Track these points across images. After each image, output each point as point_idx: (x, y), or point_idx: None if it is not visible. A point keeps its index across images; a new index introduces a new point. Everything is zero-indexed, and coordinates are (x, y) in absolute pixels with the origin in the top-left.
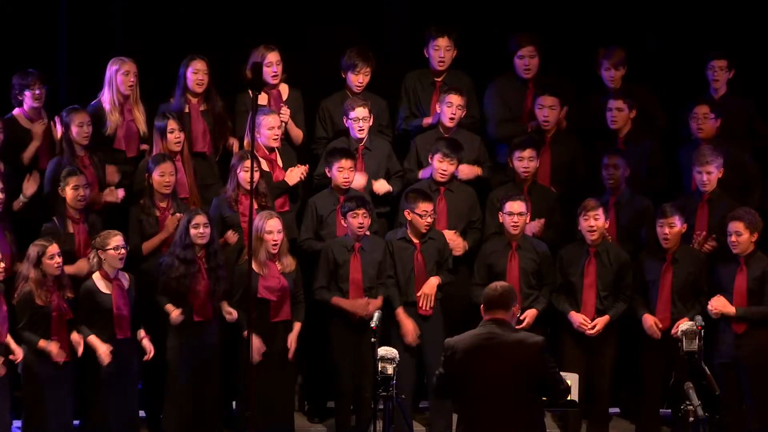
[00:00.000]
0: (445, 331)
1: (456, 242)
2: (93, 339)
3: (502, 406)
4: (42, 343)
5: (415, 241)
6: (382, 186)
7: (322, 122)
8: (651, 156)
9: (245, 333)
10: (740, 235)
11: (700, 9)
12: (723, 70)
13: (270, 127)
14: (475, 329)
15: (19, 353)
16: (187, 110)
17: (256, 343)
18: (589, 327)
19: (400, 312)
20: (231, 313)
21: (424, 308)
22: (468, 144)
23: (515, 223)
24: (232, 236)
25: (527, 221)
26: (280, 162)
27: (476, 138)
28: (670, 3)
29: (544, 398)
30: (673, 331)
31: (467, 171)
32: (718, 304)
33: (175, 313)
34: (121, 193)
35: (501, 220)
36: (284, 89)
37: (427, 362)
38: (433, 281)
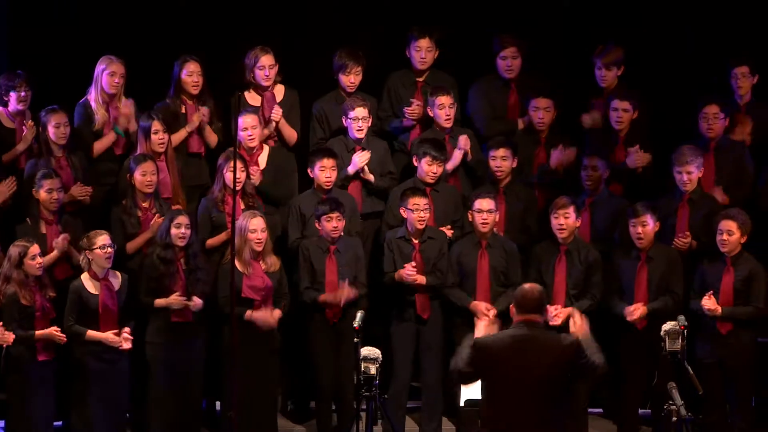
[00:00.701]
0: (443, 332)
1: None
2: (93, 333)
3: (534, 406)
4: (38, 333)
5: (414, 240)
6: (363, 157)
7: (319, 124)
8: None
9: (248, 313)
10: (731, 235)
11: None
12: (746, 77)
13: (243, 128)
14: (508, 330)
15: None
16: (183, 111)
17: (260, 315)
18: (554, 314)
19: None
20: (195, 302)
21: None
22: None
23: (484, 220)
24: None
25: (497, 219)
26: (263, 162)
27: (471, 133)
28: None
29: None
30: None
31: (456, 156)
32: (708, 304)
33: (174, 299)
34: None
35: (470, 218)
36: (280, 90)
37: (422, 362)
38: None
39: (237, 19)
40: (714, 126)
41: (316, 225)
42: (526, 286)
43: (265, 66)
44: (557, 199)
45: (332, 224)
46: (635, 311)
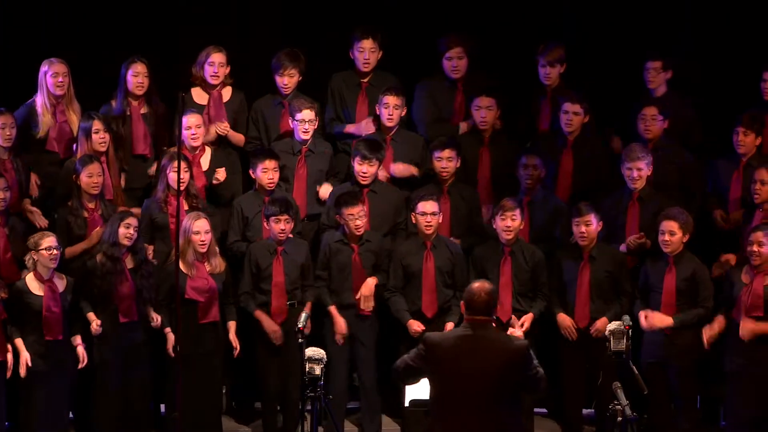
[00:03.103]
0: (378, 332)
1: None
2: (18, 343)
3: (482, 406)
4: None
5: (352, 244)
6: (326, 190)
7: (254, 123)
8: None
9: (167, 330)
10: (673, 235)
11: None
12: (658, 71)
13: (187, 127)
14: (458, 329)
15: None
16: (128, 113)
17: (172, 338)
18: (517, 325)
19: (333, 309)
20: (155, 319)
21: (365, 309)
22: (410, 144)
23: (428, 222)
24: (151, 254)
25: (440, 221)
26: (206, 163)
27: (419, 139)
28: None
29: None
30: (592, 329)
31: (402, 169)
32: (653, 320)
33: (93, 325)
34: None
35: (414, 221)
36: (227, 92)
37: (359, 362)
38: (371, 282)
39: (185, 22)
40: (652, 127)
41: (264, 225)
42: (475, 285)
43: (215, 63)
44: (504, 201)
45: (281, 226)
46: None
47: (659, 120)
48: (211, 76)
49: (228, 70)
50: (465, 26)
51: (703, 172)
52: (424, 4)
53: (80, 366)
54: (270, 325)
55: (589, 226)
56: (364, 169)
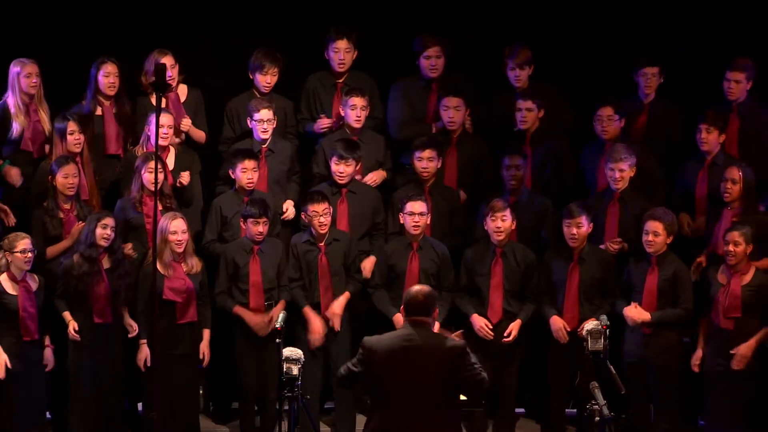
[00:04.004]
0: (352, 332)
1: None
2: None
3: (420, 408)
4: None
5: (319, 244)
6: (289, 207)
7: (229, 123)
8: (558, 156)
9: (142, 341)
10: (657, 236)
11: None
12: (655, 77)
13: (159, 126)
14: (396, 331)
15: None
16: (99, 113)
17: (145, 351)
18: (505, 335)
19: (308, 310)
20: (132, 326)
21: (334, 327)
22: (372, 145)
23: (416, 223)
24: (130, 251)
25: (428, 222)
26: (171, 163)
27: (380, 138)
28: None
29: (464, 398)
30: (579, 330)
31: (375, 177)
32: (634, 314)
33: (70, 328)
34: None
35: (402, 221)
36: (183, 90)
37: (333, 364)
38: (342, 300)
39: (151, 21)
40: (608, 128)
41: (241, 224)
42: (414, 288)
43: (166, 66)
44: (494, 202)
45: (259, 228)
46: (561, 332)
47: (615, 120)
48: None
49: (177, 68)
50: (438, 27)
51: (663, 174)
52: (399, 4)
53: (48, 369)
54: (252, 318)
55: (580, 228)
56: (341, 169)
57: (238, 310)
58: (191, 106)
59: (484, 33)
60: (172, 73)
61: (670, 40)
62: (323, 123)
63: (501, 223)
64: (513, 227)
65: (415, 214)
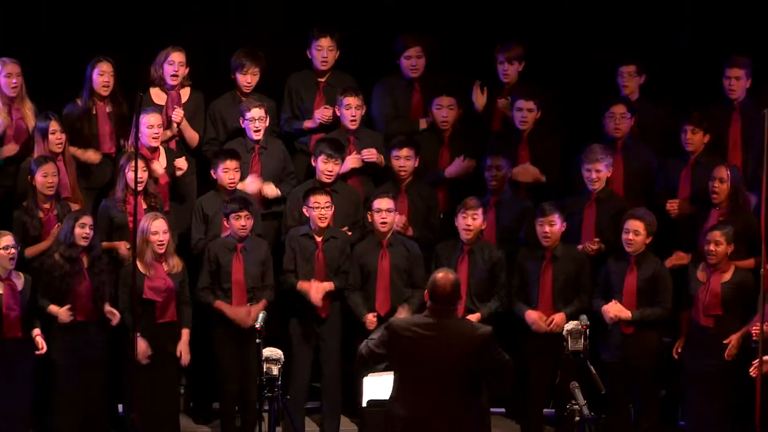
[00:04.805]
0: (341, 332)
1: None
2: None
3: (444, 393)
4: None
5: (317, 238)
6: (271, 190)
7: (213, 123)
8: (552, 157)
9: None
10: (638, 235)
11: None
12: (632, 76)
13: (149, 126)
14: (422, 316)
15: None
16: (94, 112)
17: (142, 345)
18: None
19: (302, 284)
20: (114, 314)
21: (321, 313)
22: (372, 141)
23: (383, 219)
24: (125, 251)
25: (396, 219)
26: (163, 162)
27: (379, 135)
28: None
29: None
30: (550, 323)
31: (372, 154)
32: (615, 309)
33: (62, 312)
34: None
35: (370, 219)
36: (186, 92)
37: (322, 362)
38: (326, 285)
39: (150, 22)
40: (621, 126)
41: (224, 223)
42: (440, 274)
43: (174, 62)
44: (467, 200)
45: (240, 222)
46: (539, 323)
47: (627, 118)
48: (171, 75)
49: (187, 70)
50: (419, 27)
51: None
52: (380, 4)
53: (39, 352)
54: (232, 311)
55: (552, 226)
56: (329, 168)
57: (219, 304)
58: (190, 108)
59: (473, 32)
60: (178, 70)
61: (661, 41)
62: (324, 114)
63: (471, 221)
64: (484, 226)
65: (382, 210)
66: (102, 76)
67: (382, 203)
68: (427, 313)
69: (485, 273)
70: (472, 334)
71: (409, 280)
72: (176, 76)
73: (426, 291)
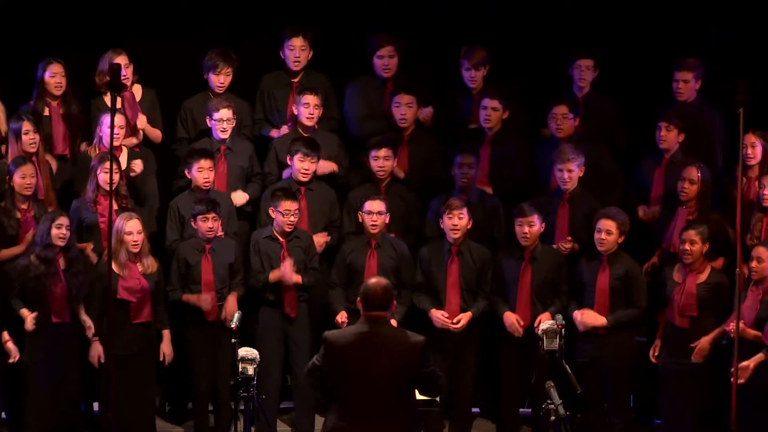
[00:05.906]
0: (312, 331)
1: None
2: None
3: (379, 402)
4: None
5: (281, 239)
6: (240, 197)
7: (183, 123)
8: (517, 156)
9: (94, 339)
10: (610, 234)
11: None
12: (589, 70)
13: (110, 126)
14: (355, 326)
15: None
16: (47, 113)
17: (98, 349)
18: (453, 323)
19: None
20: (90, 327)
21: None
22: (326, 144)
23: (374, 222)
24: (90, 252)
25: (386, 221)
26: (123, 162)
27: (334, 138)
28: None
29: (421, 397)
30: (536, 326)
31: (323, 166)
32: (587, 318)
33: (28, 320)
34: None
35: (360, 220)
36: (138, 90)
37: (293, 362)
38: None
39: (101, 22)
40: (563, 126)
41: (192, 224)
42: (372, 281)
43: (120, 66)
44: (451, 200)
45: (208, 224)
46: (515, 326)
47: (570, 118)
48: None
49: (132, 68)
50: (393, 26)
51: (621, 172)
52: (352, 3)
53: (12, 361)
54: (198, 300)
55: (532, 227)
56: (306, 166)
57: (186, 297)
58: (146, 106)
59: (440, 32)
60: (127, 72)
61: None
62: (283, 131)
63: (458, 221)
64: (469, 226)
65: (374, 213)
66: (54, 77)
67: (374, 206)
68: (362, 321)
69: (475, 273)
70: (406, 342)
71: (396, 281)
72: (126, 78)
73: (358, 299)
